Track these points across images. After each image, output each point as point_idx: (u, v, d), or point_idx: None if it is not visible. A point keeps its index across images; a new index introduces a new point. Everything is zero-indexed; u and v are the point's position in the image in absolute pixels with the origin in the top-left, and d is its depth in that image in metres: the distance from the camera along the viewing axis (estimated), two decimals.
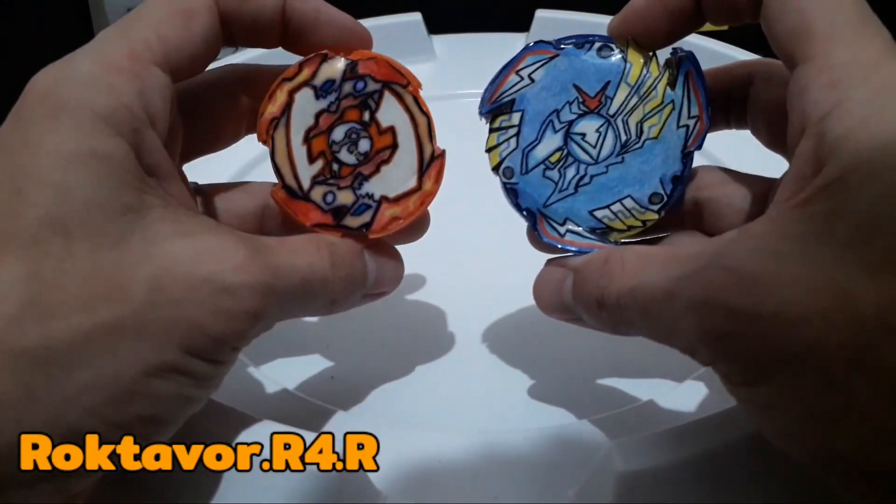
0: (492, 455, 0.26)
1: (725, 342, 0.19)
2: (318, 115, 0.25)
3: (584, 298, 0.24)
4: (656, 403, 0.29)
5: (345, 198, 0.25)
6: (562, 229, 0.26)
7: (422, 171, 0.25)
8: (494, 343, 0.32)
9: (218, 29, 0.23)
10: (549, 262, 0.26)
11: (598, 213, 0.26)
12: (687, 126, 0.25)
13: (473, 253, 0.37)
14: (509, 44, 0.53)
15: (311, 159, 0.25)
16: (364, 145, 0.25)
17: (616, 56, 0.26)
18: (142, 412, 0.19)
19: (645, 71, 0.25)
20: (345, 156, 0.25)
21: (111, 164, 0.20)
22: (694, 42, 0.46)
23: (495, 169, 0.26)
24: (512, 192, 0.26)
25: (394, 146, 0.25)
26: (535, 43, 0.26)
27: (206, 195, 0.27)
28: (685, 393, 0.29)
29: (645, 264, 0.22)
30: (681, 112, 0.25)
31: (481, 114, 0.26)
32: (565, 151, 0.26)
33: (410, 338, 0.32)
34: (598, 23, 0.49)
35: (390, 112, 0.25)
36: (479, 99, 0.26)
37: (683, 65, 0.25)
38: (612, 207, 0.26)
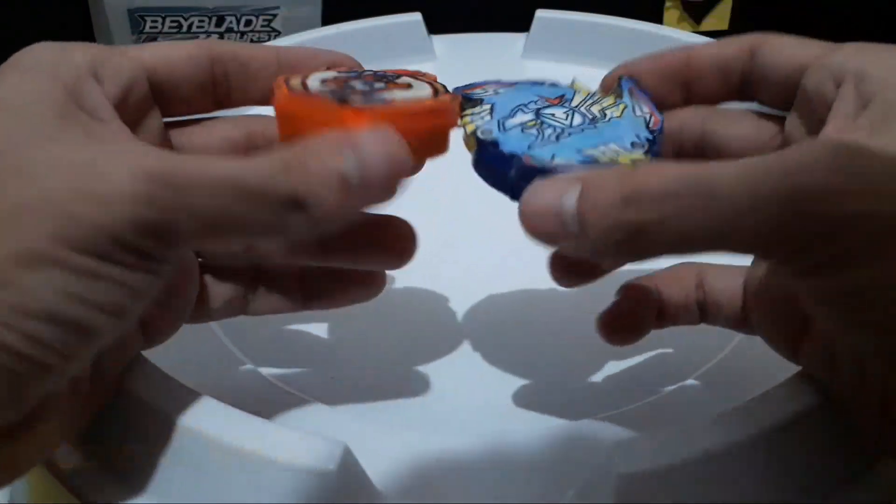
0: (492, 455, 0.26)
1: (814, 223, 0.18)
2: (334, 77, 0.25)
3: (600, 200, 0.19)
4: (657, 404, 0.29)
5: (357, 85, 0.24)
6: (550, 164, 0.24)
7: (430, 96, 0.25)
8: (495, 343, 0.32)
9: (204, 59, 0.26)
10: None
11: (587, 151, 0.24)
12: (644, 119, 0.26)
13: (473, 253, 0.37)
14: (509, 44, 0.53)
15: (323, 82, 0.25)
16: (380, 85, 0.25)
17: (566, 87, 0.28)
18: (14, 303, 0.19)
19: (591, 95, 0.27)
20: (358, 85, 0.24)
21: (38, 94, 0.22)
22: (694, 42, 0.46)
23: (471, 134, 0.25)
24: (493, 144, 0.24)
25: (409, 87, 0.25)
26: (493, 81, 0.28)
27: (182, 129, 0.27)
28: (686, 394, 0.29)
29: (687, 166, 0.19)
30: (632, 108, 0.26)
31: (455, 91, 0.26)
32: (538, 121, 0.26)
33: (410, 338, 0.32)
34: (598, 23, 0.49)
35: (409, 82, 0.26)
36: None
37: (623, 84, 0.27)
38: (599, 148, 0.24)
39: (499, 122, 0.26)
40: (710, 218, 0.18)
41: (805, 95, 0.25)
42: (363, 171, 0.20)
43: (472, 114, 0.26)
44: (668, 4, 0.70)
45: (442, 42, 0.54)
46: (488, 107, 0.26)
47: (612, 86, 0.27)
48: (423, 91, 0.25)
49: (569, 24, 0.51)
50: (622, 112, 0.26)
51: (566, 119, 0.26)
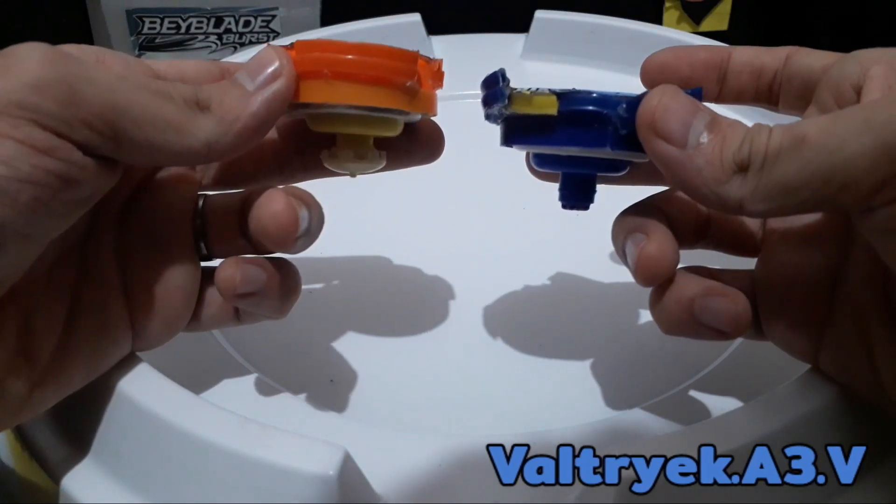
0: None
1: None
2: None
3: (727, 132, 0.22)
4: (658, 407, 0.28)
5: None
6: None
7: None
8: (495, 346, 0.32)
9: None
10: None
11: None
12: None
13: (472, 254, 0.37)
14: (509, 44, 0.53)
15: None
16: None
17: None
18: None
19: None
20: None
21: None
22: (694, 43, 0.46)
23: (550, 94, 0.24)
24: (586, 93, 0.24)
25: None
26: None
27: None
28: (687, 397, 0.29)
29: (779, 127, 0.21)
30: None
31: (488, 85, 0.25)
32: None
33: (410, 341, 0.32)
34: (598, 24, 0.49)
35: None
36: (480, 100, 0.26)
37: None
38: None
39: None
40: (801, 167, 0.20)
41: (826, 85, 0.25)
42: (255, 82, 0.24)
43: (519, 90, 0.25)
44: (667, 5, 0.70)
45: (441, 42, 0.54)
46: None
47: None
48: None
49: (568, 25, 0.51)
50: None
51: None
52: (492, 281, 0.34)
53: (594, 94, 0.24)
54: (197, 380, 0.26)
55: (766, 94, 0.27)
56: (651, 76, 0.27)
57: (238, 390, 0.29)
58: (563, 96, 0.24)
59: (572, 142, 0.24)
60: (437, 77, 0.26)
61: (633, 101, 0.24)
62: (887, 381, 0.22)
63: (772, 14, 0.73)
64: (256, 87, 0.24)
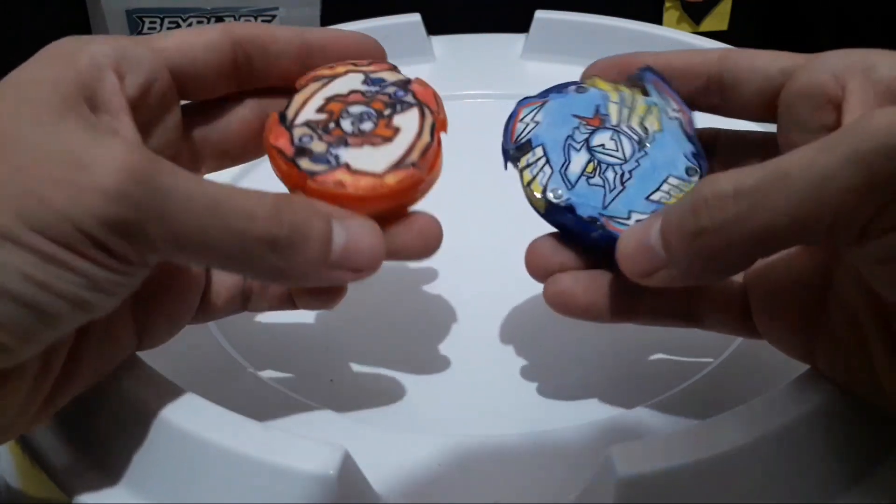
0: (491, 458, 0.26)
1: (890, 183, 0.19)
2: (352, 91, 0.27)
3: (675, 219, 0.22)
4: (658, 407, 0.28)
5: (317, 146, 0.25)
6: (629, 222, 0.26)
7: (393, 165, 0.25)
8: (495, 346, 0.32)
9: (226, 45, 0.26)
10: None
11: (654, 197, 0.27)
12: (676, 118, 0.28)
13: (472, 255, 0.37)
14: (509, 44, 0.52)
15: (319, 110, 0.26)
16: (367, 126, 0.26)
17: (591, 90, 0.29)
18: None
19: (619, 92, 0.29)
20: (346, 124, 0.26)
21: (48, 83, 0.22)
22: (694, 43, 0.46)
23: (541, 198, 0.26)
24: (569, 209, 0.26)
25: (388, 140, 0.26)
26: (522, 99, 0.29)
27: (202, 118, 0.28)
28: (687, 397, 0.29)
29: (750, 167, 0.21)
30: (664, 109, 0.28)
31: (507, 159, 0.27)
32: (596, 161, 0.27)
33: (410, 341, 0.32)
34: (598, 23, 0.49)
35: (407, 120, 0.26)
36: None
37: (646, 78, 0.28)
38: (662, 188, 0.27)
39: (561, 175, 0.27)
40: (788, 203, 0.19)
41: (798, 98, 0.25)
42: (346, 260, 0.23)
43: (528, 165, 0.27)
44: (667, 5, 0.70)
45: (441, 43, 0.54)
46: (540, 151, 0.27)
47: (635, 79, 0.29)
48: (403, 140, 0.26)
49: (568, 25, 0.51)
50: (659, 121, 0.28)
51: (616, 149, 0.27)
52: (492, 280, 0.34)
53: (575, 214, 0.26)
54: (197, 380, 0.26)
55: (702, 99, 0.28)
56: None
57: (238, 390, 0.29)
58: (555, 207, 0.26)
59: (563, 234, 0.27)
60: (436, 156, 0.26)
61: (609, 235, 0.26)
62: (884, 381, 0.22)
63: (772, 14, 0.73)
64: (341, 263, 0.23)
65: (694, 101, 0.28)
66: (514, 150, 0.27)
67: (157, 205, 0.20)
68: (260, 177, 0.30)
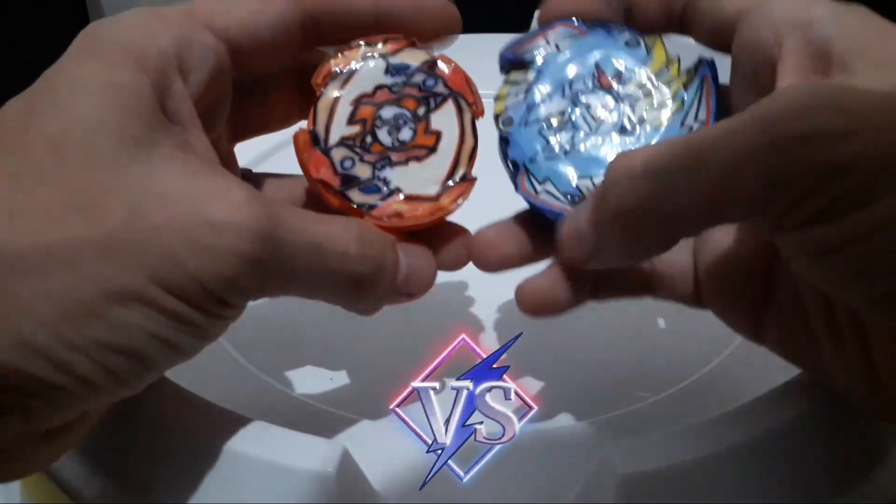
0: (492, 457, 0.26)
1: (809, 169, 0.17)
2: (377, 88, 0.25)
3: (594, 202, 0.21)
4: (658, 405, 0.28)
5: (362, 171, 0.24)
6: (539, 187, 0.25)
7: (446, 184, 0.25)
8: (495, 345, 0.32)
9: (296, 21, 0.24)
10: None
11: (580, 182, 0.25)
12: (691, 128, 0.25)
13: None
14: None
15: (351, 121, 0.25)
16: (406, 134, 0.25)
17: (641, 49, 0.26)
18: (100, 337, 0.18)
19: (665, 69, 0.26)
20: (383, 135, 0.25)
21: (126, 96, 0.20)
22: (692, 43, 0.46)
23: (497, 117, 0.26)
24: (504, 141, 0.25)
25: (432, 149, 0.25)
26: (568, 18, 0.26)
27: (255, 181, 0.27)
28: (686, 395, 0.29)
29: (666, 143, 0.19)
30: (688, 113, 0.25)
31: (502, 60, 0.26)
32: (567, 115, 0.25)
33: (410, 340, 0.32)
34: None
35: (445, 119, 0.25)
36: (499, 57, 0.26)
37: (701, 70, 0.25)
38: (595, 180, 0.25)
39: (528, 106, 0.25)
40: (700, 186, 0.18)
41: (743, 50, 0.23)
42: (406, 286, 0.24)
43: (510, 83, 0.26)
44: None
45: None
46: (532, 76, 0.26)
47: (693, 68, 0.25)
48: (446, 148, 0.25)
49: None
50: (668, 121, 0.25)
51: (595, 119, 0.25)
52: (492, 280, 0.34)
53: (506, 147, 0.25)
54: (196, 379, 0.26)
55: (679, 26, 0.26)
56: (548, 14, 0.26)
57: (237, 389, 0.29)
58: (500, 133, 0.25)
59: (501, 155, 0.26)
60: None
61: (520, 191, 0.25)
62: (827, 361, 0.22)
63: None
64: (401, 290, 0.24)
65: (664, 25, 0.26)
66: (513, 61, 0.26)
67: (277, 259, 0.20)
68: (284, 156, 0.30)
